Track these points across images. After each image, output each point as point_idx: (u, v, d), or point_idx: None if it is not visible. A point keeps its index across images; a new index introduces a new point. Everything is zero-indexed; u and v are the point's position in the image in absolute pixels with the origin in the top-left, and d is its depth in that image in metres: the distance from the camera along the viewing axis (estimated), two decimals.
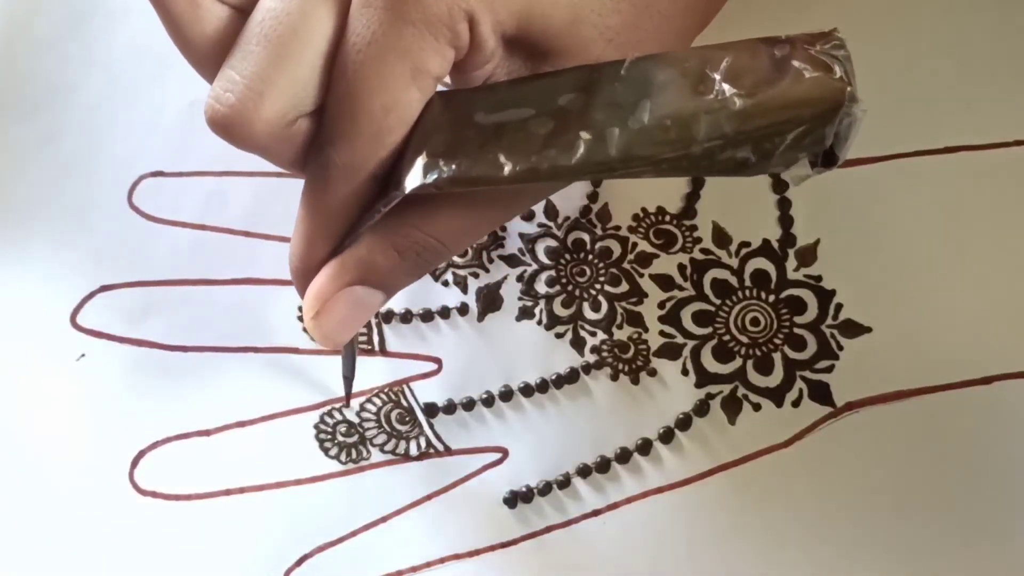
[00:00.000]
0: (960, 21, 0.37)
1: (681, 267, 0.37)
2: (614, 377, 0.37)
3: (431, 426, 0.37)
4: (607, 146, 0.26)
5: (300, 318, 0.38)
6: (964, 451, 0.35)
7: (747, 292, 0.37)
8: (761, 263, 0.37)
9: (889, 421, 0.35)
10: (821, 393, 0.36)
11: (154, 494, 0.38)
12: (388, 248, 0.29)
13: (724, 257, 0.37)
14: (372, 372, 0.38)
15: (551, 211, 0.38)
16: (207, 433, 0.38)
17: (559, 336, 0.37)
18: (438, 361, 0.38)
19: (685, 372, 0.37)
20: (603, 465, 0.36)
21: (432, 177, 0.26)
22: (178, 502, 0.38)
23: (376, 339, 0.38)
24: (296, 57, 0.27)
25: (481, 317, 0.38)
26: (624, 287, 0.37)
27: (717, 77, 0.26)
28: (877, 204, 0.36)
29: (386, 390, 0.38)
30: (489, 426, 0.37)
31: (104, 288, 0.39)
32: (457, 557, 0.36)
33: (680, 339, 0.37)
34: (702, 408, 0.36)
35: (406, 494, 0.37)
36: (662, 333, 0.37)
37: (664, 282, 0.37)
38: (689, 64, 0.26)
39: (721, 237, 0.37)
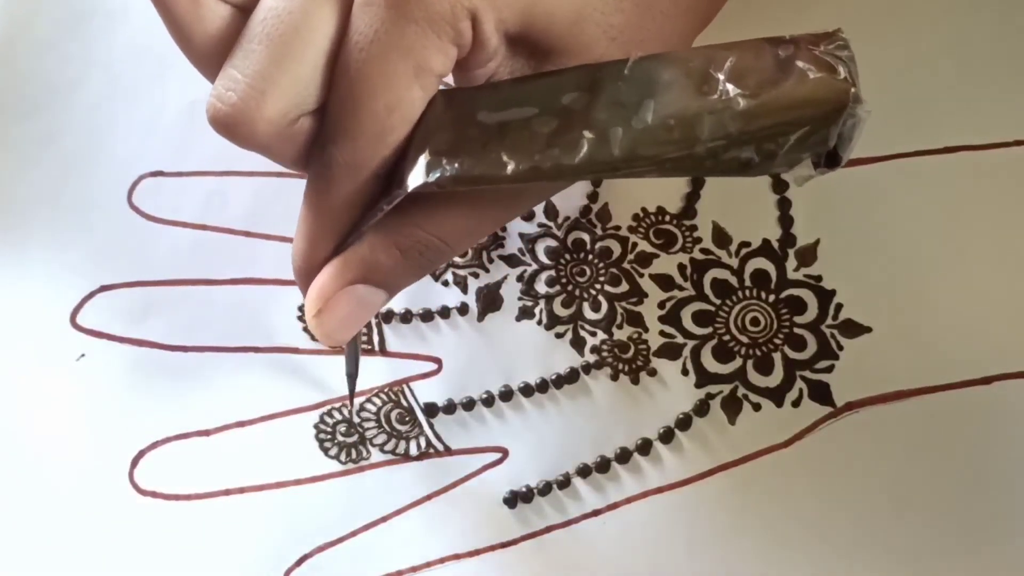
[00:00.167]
0: (960, 21, 0.37)
1: (681, 267, 0.37)
2: (614, 377, 0.37)
3: (431, 426, 0.37)
4: (610, 145, 0.26)
5: (301, 317, 0.38)
6: (964, 451, 0.35)
7: (747, 292, 0.37)
8: (761, 263, 0.37)
9: (889, 421, 0.35)
10: (821, 393, 0.36)
11: (154, 494, 0.38)
12: (391, 247, 0.29)
13: (724, 257, 0.37)
14: (372, 372, 0.38)
15: (551, 211, 0.38)
16: (207, 433, 0.38)
17: (559, 336, 0.37)
18: (438, 361, 0.38)
19: (685, 372, 0.37)
20: (603, 465, 0.36)
21: (435, 176, 0.26)
22: (178, 502, 0.38)
23: (376, 339, 0.38)
24: (298, 56, 0.27)
25: (481, 317, 0.38)
26: (624, 287, 0.37)
27: (721, 77, 0.26)
28: (877, 204, 0.36)
29: (386, 390, 0.38)
30: (489, 426, 0.37)
31: (104, 288, 0.39)
32: (457, 557, 0.36)
33: (680, 339, 0.37)
34: (702, 408, 0.36)
35: (406, 494, 0.37)
36: (662, 333, 0.37)
37: (664, 282, 0.37)
38: (693, 64, 0.26)
39: (721, 237, 0.37)
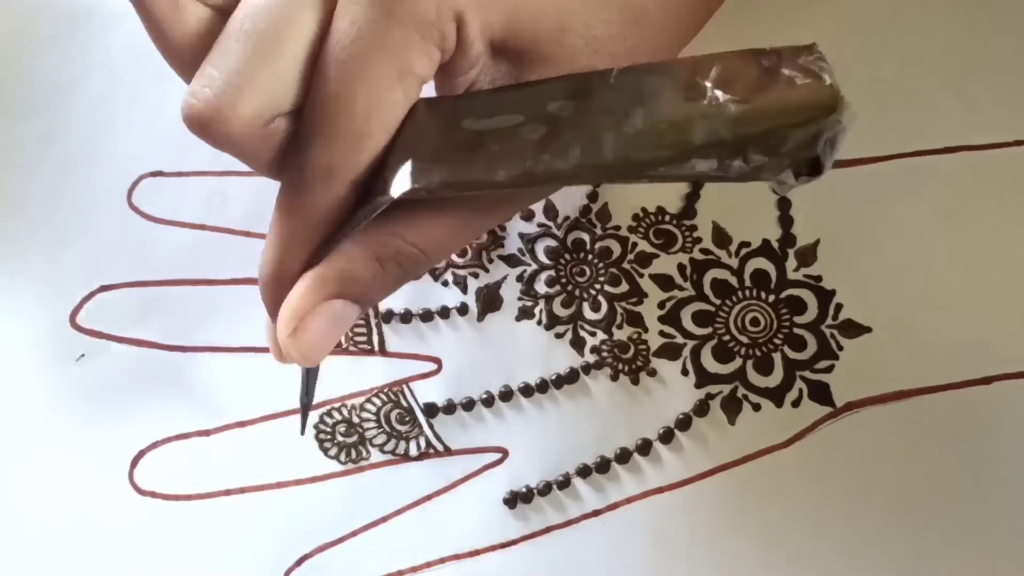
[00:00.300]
0: (960, 21, 0.37)
1: (681, 267, 0.37)
2: (614, 377, 0.37)
3: (431, 426, 0.37)
4: (602, 150, 0.26)
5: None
6: (964, 451, 0.35)
7: (747, 292, 0.37)
8: (761, 263, 0.37)
9: (889, 421, 0.35)
10: (821, 393, 0.36)
11: (153, 494, 0.38)
12: (369, 258, 0.28)
13: (724, 257, 0.37)
14: (372, 372, 0.38)
15: (551, 211, 0.38)
16: (207, 433, 0.38)
17: (559, 336, 0.37)
18: (438, 361, 0.38)
19: (685, 372, 0.37)
20: (603, 465, 0.36)
21: (424, 181, 0.26)
22: (178, 502, 0.38)
23: (376, 339, 0.38)
24: (277, 54, 0.26)
25: (481, 317, 0.38)
26: (624, 287, 0.37)
27: (709, 85, 0.26)
28: (877, 204, 0.36)
29: (386, 390, 0.38)
30: (489, 426, 0.37)
31: (104, 288, 0.39)
32: (457, 557, 0.36)
33: (680, 339, 0.37)
34: (702, 408, 0.36)
35: (406, 494, 0.37)
36: (662, 333, 0.37)
37: (664, 282, 0.37)
38: (679, 72, 0.26)
39: (721, 237, 0.37)
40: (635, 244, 0.37)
